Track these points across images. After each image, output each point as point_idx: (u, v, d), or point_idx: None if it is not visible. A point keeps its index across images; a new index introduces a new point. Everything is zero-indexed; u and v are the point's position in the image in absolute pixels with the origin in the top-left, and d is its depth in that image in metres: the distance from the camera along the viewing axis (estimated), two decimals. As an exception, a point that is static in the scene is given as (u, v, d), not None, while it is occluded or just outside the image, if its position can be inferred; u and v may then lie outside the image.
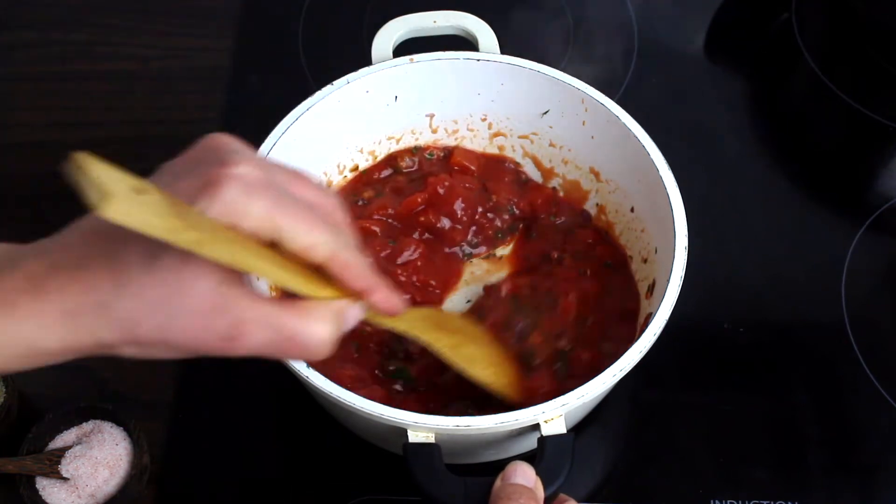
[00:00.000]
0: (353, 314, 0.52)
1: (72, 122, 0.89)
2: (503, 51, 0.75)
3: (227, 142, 0.50)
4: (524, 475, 0.54)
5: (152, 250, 0.45)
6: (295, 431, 0.73)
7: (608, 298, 0.71)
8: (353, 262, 0.50)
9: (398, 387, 0.68)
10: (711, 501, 0.69)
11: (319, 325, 0.49)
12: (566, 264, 0.73)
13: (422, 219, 0.75)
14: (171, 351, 0.48)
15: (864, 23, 0.94)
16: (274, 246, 0.48)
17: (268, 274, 0.47)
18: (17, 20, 0.96)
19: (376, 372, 0.68)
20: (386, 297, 0.53)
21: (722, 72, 0.94)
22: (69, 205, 0.44)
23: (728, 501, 0.69)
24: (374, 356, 0.69)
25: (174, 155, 0.50)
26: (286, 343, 0.49)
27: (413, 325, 0.61)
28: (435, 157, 0.79)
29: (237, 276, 0.47)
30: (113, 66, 0.93)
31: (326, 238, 0.49)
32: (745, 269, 0.80)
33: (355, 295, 0.51)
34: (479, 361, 0.65)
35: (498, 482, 0.55)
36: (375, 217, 0.75)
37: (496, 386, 0.65)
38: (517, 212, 0.77)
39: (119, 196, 0.40)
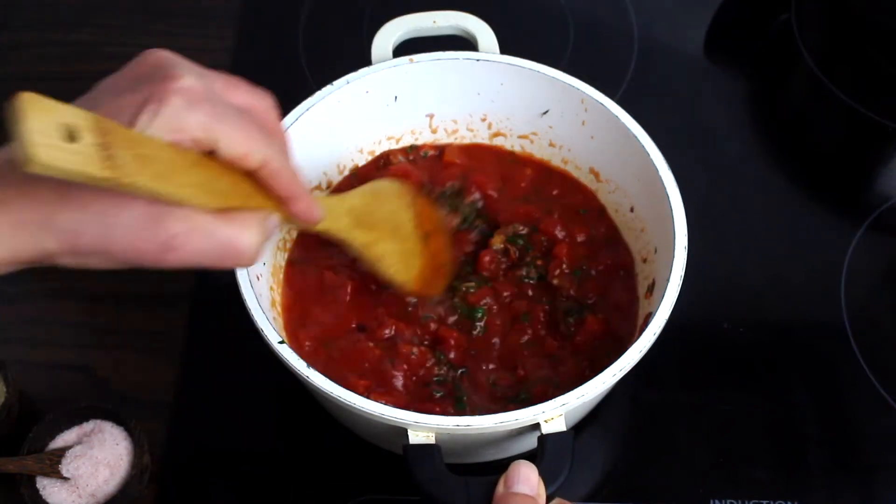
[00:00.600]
0: (273, 222, 0.55)
1: (72, 122, 0.89)
2: (503, 51, 0.75)
3: (166, 56, 0.52)
4: (527, 480, 0.55)
5: None
6: (295, 431, 0.73)
7: (603, 251, 0.73)
8: (282, 170, 0.53)
9: (436, 393, 0.67)
10: (711, 501, 0.69)
11: (248, 232, 0.52)
12: (556, 216, 0.75)
13: None
14: (109, 261, 0.50)
15: (864, 23, 0.94)
16: (211, 153, 0.50)
17: (192, 201, 0.49)
18: (17, 20, 0.96)
19: (404, 381, 0.68)
20: (307, 207, 0.56)
21: (722, 72, 0.94)
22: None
23: (728, 501, 0.69)
24: (409, 372, 0.68)
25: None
26: (220, 250, 0.51)
27: (332, 224, 0.63)
28: (430, 155, 0.79)
29: None
30: (113, 66, 0.91)
31: (260, 146, 0.52)
32: (745, 269, 0.80)
33: (278, 202, 0.54)
34: (388, 258, 0.68)
35: (500, 487, 0.55)
36: None
37: (397, 279, 0.68)
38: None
39: (43, 150, 0.42)
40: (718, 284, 0.79)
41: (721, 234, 0.81)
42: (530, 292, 0.72)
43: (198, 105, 0.49)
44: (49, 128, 0.43)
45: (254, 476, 0.70)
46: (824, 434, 0.72)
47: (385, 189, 0.71)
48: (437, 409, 0.65)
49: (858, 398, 0.73)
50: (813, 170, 0.88)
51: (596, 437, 0.72)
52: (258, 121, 0.54)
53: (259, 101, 0.56)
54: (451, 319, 0.70)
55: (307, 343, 0.68)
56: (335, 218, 0.64)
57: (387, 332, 0.69)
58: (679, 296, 0.62)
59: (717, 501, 0.69)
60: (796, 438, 0.72)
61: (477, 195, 0.76)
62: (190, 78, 0.50)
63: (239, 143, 0.51)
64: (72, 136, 0.43)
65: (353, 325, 0.69)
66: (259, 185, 0.53)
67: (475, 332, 0.70)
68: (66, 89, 0.90)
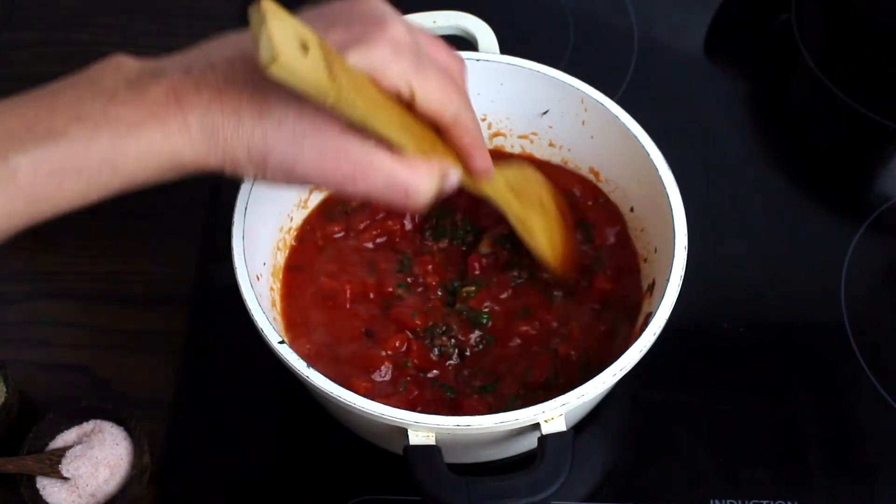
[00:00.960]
0: (453, 176, 0.57)
1: (72, 122, 0.89)
2: (503, 51, 0.75)
3: (379, 3, 0.54)
4: None
5: None
6: (295, 431, 0.73)
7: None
8: (471, 125, 0.57)
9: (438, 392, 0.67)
10: (711, 501, 0.69)
11: (427, 180, 0.54)
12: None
13: (389, 222, 0.74)
14: (291, 180, 0.53)
15: (864, 23, 0.94)
16: (406, 104, 0.53)
17: (390, 136, 0.52)
18: (17, 20, 0.96)
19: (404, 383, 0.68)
20: (485, 161, 0.60)
21: (722, 72, 0.94)
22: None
23: (728, 501, 0.69)
24: (411, 379, 0.68)
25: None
26: (396, 192, 0.54)
27: (496, 189, 0.66)
28: None
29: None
30: (113, 66, 0.93)
31: (454, 101, 0.55)
32: (745, 269, 0.80)
33: (458, 157, 0.58)
34: (539, 233, 0.70)
35: None
36: (362, 229, 0.74)
37: (546, 255, 0.70)
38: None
39: (284, 57, 0.44)
40: (718, 284, 0.79)
41: (721, 234, 0.81)
42: (523, 291, 0.72)
43: (403, 55, 0.51)
44: (289, 36, 0.45)
45: (254, 476, 0.70)
46: (824, 434, 0.72)
47: (528, 170, 0.72)
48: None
49: (858, 398, 0.73)
50: (813, 170, 0.88)
51: (596, 437, 0.72)
52: (452, 77, 0.56)
53: (455, 62, 0.59)
54: (462, 329, 0.70)
55: (308, 346, 0.68)
56: (498, 184, 0.66)
57: (397, 344, 0.68)
58: (679, 296, 0.62)
59: (717, 501, 0.69)
60: (796, 438, 0.72)
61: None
62: (400, 28, 0.52)
63: (436, 97, 0.53)
64: (305, 48, 0.45)
65: (362, 330, 0.69)
66: (442, 139, 0.56)
67: (480, 338, 0.70)
68: (66, 89, 0.91)
